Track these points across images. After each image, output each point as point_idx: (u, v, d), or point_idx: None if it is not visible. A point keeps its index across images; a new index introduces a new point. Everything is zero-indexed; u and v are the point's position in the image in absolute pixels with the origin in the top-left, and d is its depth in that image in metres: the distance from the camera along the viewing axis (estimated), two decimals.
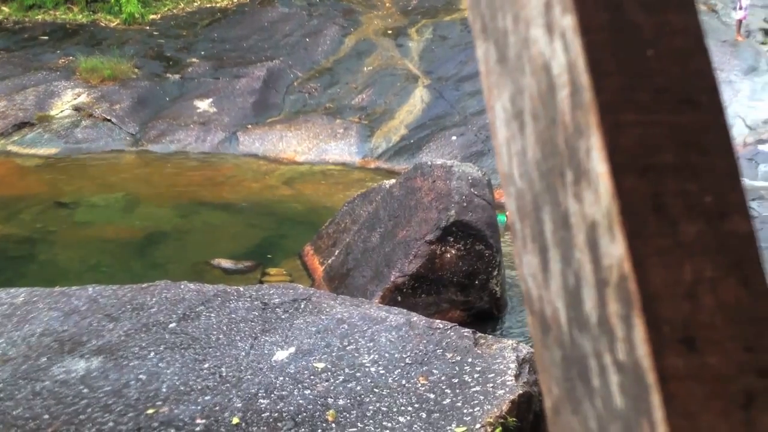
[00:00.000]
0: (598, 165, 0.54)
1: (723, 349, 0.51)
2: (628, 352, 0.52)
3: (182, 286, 5.59)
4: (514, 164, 0.66)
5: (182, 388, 4.18)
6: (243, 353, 4.60)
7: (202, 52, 18.36)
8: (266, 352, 4.63)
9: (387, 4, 20.82)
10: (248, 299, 5.38)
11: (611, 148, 0.53)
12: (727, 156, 0.55)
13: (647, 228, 0.53)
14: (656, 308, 0.51)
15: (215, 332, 4.86)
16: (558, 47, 0.58)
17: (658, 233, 0.53)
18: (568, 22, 0.56)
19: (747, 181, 13.37)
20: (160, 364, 4.44)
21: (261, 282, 8.51)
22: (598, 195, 0.54)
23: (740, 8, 18.05)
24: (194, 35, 19.17)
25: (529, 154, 0.63)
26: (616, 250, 0.53)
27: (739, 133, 15.19)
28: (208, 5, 20.80)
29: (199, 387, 4.20)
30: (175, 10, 20.45)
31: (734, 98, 16.02)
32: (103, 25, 19.56)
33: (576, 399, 0.60)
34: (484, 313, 8.14)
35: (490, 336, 5.26)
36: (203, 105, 16.46)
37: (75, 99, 16.13)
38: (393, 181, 9.36)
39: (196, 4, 20.88)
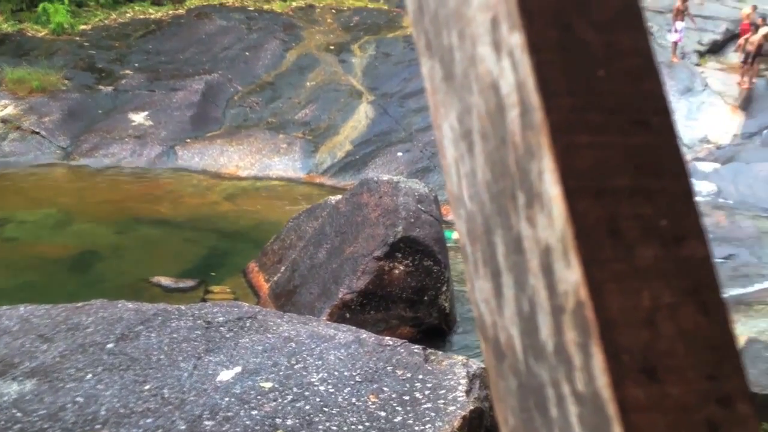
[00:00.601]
0: (551, 188, 0.52)
1: (684, 378, 0.50)
2: (587, 382, 0.50)
3: (120, 305, 5.37)
4: (464, 185, 0.64)
5: (122, 411, 3.99)
6: (186, 374, 4.42)
7: (136, 64, 18.02)
8: (210, 372, 4.46)
9: (328, 20, 20.80)
10: (190, 318, 5.19)
11: (564, 170, 0.51)
12: (681, 178, 0.54)
13: (603, 253, 0.51)
14: (615, 336, 0.49)
15: (156, 352, 4.67)
16: (506, 66, 0.55)
17: (614, 258, 0.51)
18: (516, 40, 0.54)
19: None
20: (98, 386, 4.22)
21: (203, 300, 8.29)
22: (551, 219, 0.52)
23: (675, 31, 18.60)
24: (127, 47, 18.81)
25: (479, 175, 0.61)
26: (571, 275, 0.51)
27: None
28: (142, 16, 20.46)
29: (140, 409, 4.02)
30: (106, 21, 20.05)
31: None
32: (30, 34, 19.01)
33: (533, 430, 0.58)
34: (434, 329, 8.11)
35: (441, 352, 5.24)
36: (138, 118, 16.14)
37: (1, 111, 15.61)
38: (339, 196, 9.31)
39: (129, 15, 20.51)
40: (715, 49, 20.69)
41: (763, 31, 18.07)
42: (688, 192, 0.54)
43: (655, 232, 0.52)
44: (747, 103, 17.80)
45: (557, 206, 0.51)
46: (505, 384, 0.61)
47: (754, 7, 19.77)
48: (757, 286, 10.25)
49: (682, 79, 17.96)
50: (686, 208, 0.53)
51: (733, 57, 19.77)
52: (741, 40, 18.76)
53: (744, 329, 8.48)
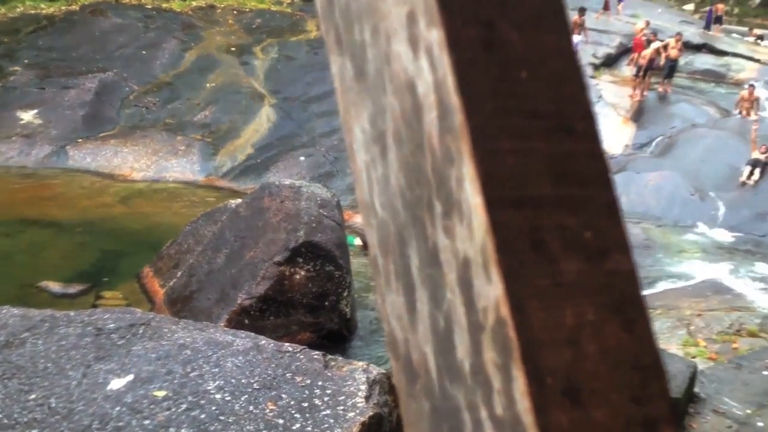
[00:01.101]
0: (471, 196, 0.49)
1: (608, 400, 0.47)
2: (507, 406, 0.47)
3: (4, 311, 5.17)
4: (375, 192, 0.61)
5: (6, 422, 3.85)
6: (74, 382, 4.27)
7: (26, 61, 17.31)
8: (101, 381, 4.32)
9: (230, 21, 20.52)
10: (80, 325, 5.02)
11: (485, 178, 0.48)
12: (606, 188, 0.52)
13: (525, 267, 0.48)
14: (538, 357, 0.46)
15: (43, 360, 4.49)
16: (424, 64, 0.52)
17: (537, 273, 0.48)
18: (434, 36, 0.51)
19: None
20: None
21: (94, 306, 8.03)
22: (471, 229, 0.49)
23: None
24: (17, 42, 18.04)
25: (392, 181, 0.58)
26: (492, 291, 0.48)
27: None
28: (33, 11, 19.64)
29: (25, 420, 3.87)
30: None
31: None
32: None
33: None
34: (335, 334, 8.10)
35: (341, 358, 5.26)
36: (27, 116, 15.53)
37: None
38: (239, 200, 9.22)
39: (19, 9, 19.66)
40: (609, 62, 21.56)
41: (654, 45, 18.94)
42: (613, 202, 0.51)
43: (579, 244, 0.49)
44: (638, 115, 18.62)
45: (477, 216, 0.48)
46: (417, 406, 0.58)
47: (647, 23, 20.68)
48: (650, 292, 10.68)
49: None
50: (611, 219, 0.51)
51: (626, 70, 20.64)
52: (634, 54, 19.59)
53: None
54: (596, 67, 20.08)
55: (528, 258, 0.48)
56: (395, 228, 0.58)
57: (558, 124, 0.51)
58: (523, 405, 0.45)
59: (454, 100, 0.49)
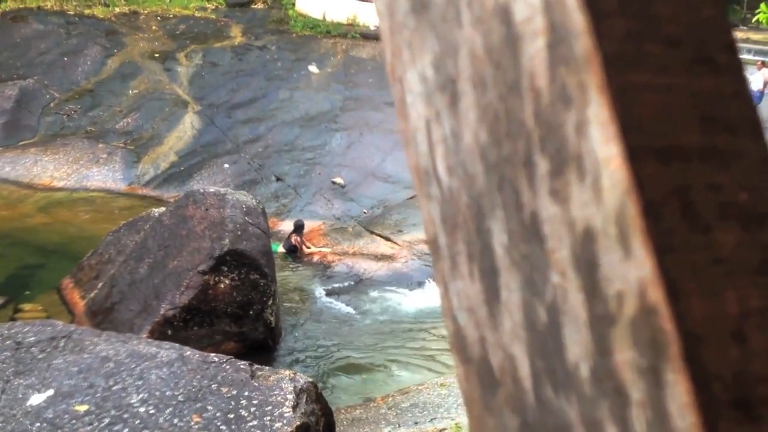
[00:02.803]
0: (602, 146, 0.39)
1: None
2: (655, 423, 0.37)
3: None
4: (439, 155, 0.50)
5: None
6: None
7: None
8: (20, 396, 4.23)
9: (153, 27, 20.20)
10: None
11: (624, 120, 0.38)
12: (756, 138, 0.42)
13: (677, 238, 0.38)
14: (702, 357, 0.36)
15: None
16: None
17: (691, 245, 0.38)
18: None
19: None
20: None
21: (13, 320, 7.80)
22: (598, 190, 0.39)
23: None
24: None
25: (467, 138, 0.48)
26: (633, 270, 0.38)
27: None
28: None
29: None
30: None
31: None
32: None
33: None
34: (259, 343, 8.06)
35: (267, 367, 5.21)
36: None
37: None
38: (163, 209, 9.06)
39: None
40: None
41: None
42: (766, 156, 0.42)
43: (734, 209, 0.40)
44: None
45: (612, 172, 0.38)
46: (498, 423, 0.48)
47: None
48: None
49: None
50: (766, 176, 0.41)
51: None
52: None
53: None
54: None
55: (679, 226, 0.38)
56: (469, 198, 0.48)
57: (698, 55, 0.41)
58: (686, 421, 0.36)
59: (577, 19, 0.40)
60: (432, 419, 6.38)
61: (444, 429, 5.96)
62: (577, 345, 0.41)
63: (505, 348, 0.46)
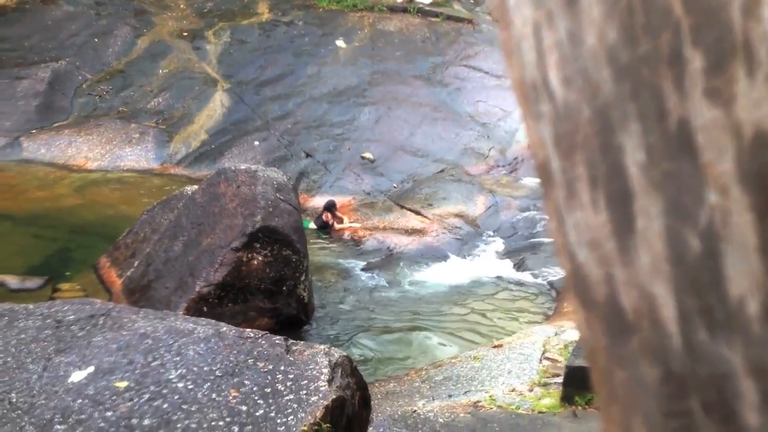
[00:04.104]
0: None
1: None
2: None
3: None
4: (552, 64, 0.44)
5: None
6: (35, 376, 4.25)
7: None
8: (62, 373, 4.30)
9: (181, 6, 20.24)
10: (39, 317, 4.97)
11: None
12: None
13: None
14: None
15: (2, 355, 4.46)
16: None
17: None
18: None
19: (531, 179, 14.35)
20: None
21: (52, 299, 7.94)
22: None
23: None
24: None
25: (590, 40, 0.41)
26: None
27: (523, 136, 16.22)
28: None
29: None
30: None
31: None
32: None
33: None
34: (293, 319, 8.11)
35: (302, 342, 5.21)
36: None
37: None
38: (195, 187, 9.12)
39: None
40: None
41: None
42: None
43: None
44: None
45: None
46: (632, 375, 0.42)
47: None
48: None
49: None
50: None
51: None
52: None
53: None
54: None
55: None
56: (593, 111, 0.41)
57: None
58: None
59: None
60: (466, 392, 6.40)
61: (478, 401, 5.98)
62: (743, 276, 0.35)
63: (642, 286, 0.40)
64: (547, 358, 7.01)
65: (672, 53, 0.36)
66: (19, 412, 3.91)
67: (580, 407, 5.54)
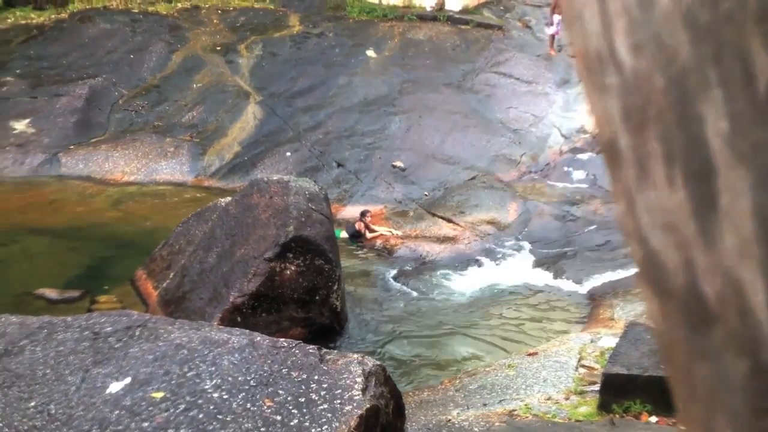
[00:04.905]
0: None
1: None
2: None
3: (2, 319, 5.19)
4: (618, 32, 0.39)
5: (6, 430, 3.87)
6: (73, 388, 4.31)
7: (18, 71, 17.28)
8: (99, 384, 4.35)
9: (214, 21, 20.49)
10: (77, 329, 5.04)
11: None
12: None
13: None
14: None
15: (42, 367, 4.53)
16: None
17: None
18: None
19: (563, 185, 14.23)
20: None
21: (90, 311, 8.05)
22: None
23: (553, 24, 19.20)
24: (8, 53, 18.00)
25: (662, 1, 0.37)
26: None
27: (555, 142, 16.15)
28: (23, 22, 19.61)
29: (25, 428, 3.90)
30: None
31: (549, 109, 17.04)
32: None
33: None
34: (326, 328, 8.11)
35: (336, 351, 5.21)
36: (20, 126, 15.50)
37: None
38: (229, 198, 9.18)
39: (9, 20, 19.63)
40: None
41: None
42: None
43: None
44: None
45: None
46: (715, 369, 0.38)
47: None
48: (634, 270, 10.74)
49: (559, 71, 18.65)
50: None
51: None
52: None
53: (623, 313, 8.93)
54: None
55: None
56: (667, 80, 0.37)
57: None
58: None
59: None
60: (501, 401, 6.36)
61: (513, 410, 5.93)
62: None
63: (727, 271, 0.36)
64: (584, 366, 6.94)
65: (761, 8, 0.32)
66: (58, 423, 3.95)
67: (617, 415, 5.46)
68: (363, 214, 12.51)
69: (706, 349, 0.38)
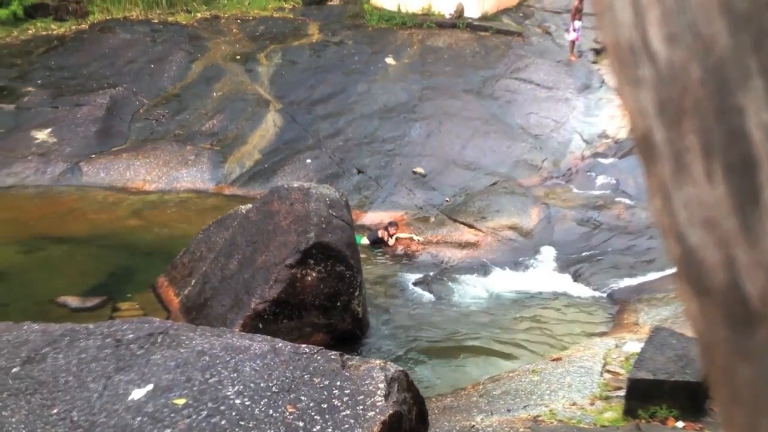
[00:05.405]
0: None
1: None
2: None
3: (25, 327, 5.20)
4: (652, 22, 0.38)
5: None
6: (96, 395, 4.31)
7: (39, 81, 17.44)
8: (121, 391, 4.35)
9: (234, 30, 20.59)
10: (99, 336, 5.05)
11: None
12: None
13: None
14: None
15: (64, 374, 4.54)
16: None
17: None
18: None
19: (585, 190, 14.13)
20: (3, 413, 4.09)
21: (112, 318, 8.08)
22: None
23: (573, 30, 19.15)
24: (29, 63, 18.19)
25: None
26: None
27: (577, 147, 16.05)
28: (44, 33, 19.81)
29: None
30: (8, 39, 19.29)
31: (571, 114, 16.94)
32: None
33: None
34: (348, 334, 8.10)
35: (358, 357, 5.18)
36: (42, 135, 15.63)
37: None
38: (249, 205, 9.20)
39: (30, 32, 19.83)
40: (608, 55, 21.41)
41: None
42: None
43: None
44: None
45: None
46: (761, 371, 0.36)
47: None
48: (658, 275, 10.66)
49: (580, 76, 18.56)
50: None
51: None
52: None
53: (647, 318, 8.83)
54: (598, 53, 20.00)
55: None
56: (704, 70, 0.36)
57: None
58: None
59: None
60: (525, 406, 6.30)
61: (538, 416, 5.88)
62: None
63: None
64: (608, 371, 6.87)
65: None
66: (81, 430, 3.95)
67: (643, 420, 5.40)
68: (390, 224, 12.50)
69: (749, 349, 0.35)
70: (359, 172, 14.85)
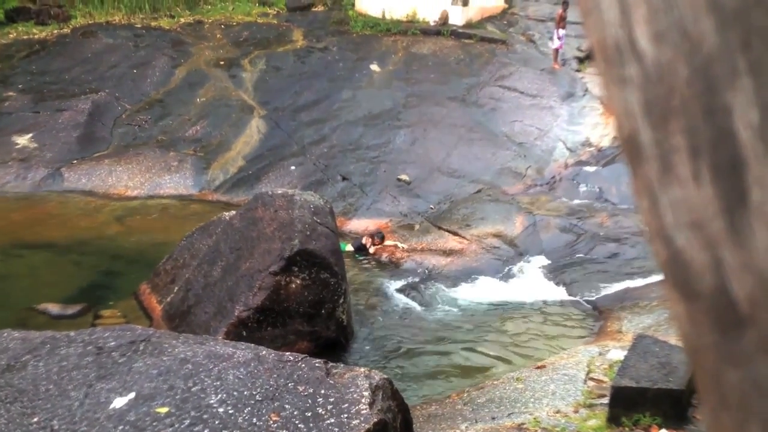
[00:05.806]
0: None
1: None
2: None
3: (5, 335, 5.16)
4: (638, 20, 0.37)
5: None
6: (77, 403, 4.26)
7: (20, 86, 17.32)
8: (103, 400, 4.30)
9: (218, 35, 20.55)
10: (80, 344, 5.00)
11: None
12: None
13: None
14: None
15: (44, 382, 4.49)
16: None
17: None
18: None
19: (569, 198, 14.19)
20: None
21: (93, 326, 8.00)
22: None
23: (557, 38, 19.26)
24: (10, 68, 18.06)
25: None
26: None
27: (560, 155, 16.12)
28: (26, 37, 19.69)
29: None
30: None
31: (554, 123, 17.01)
32: None
33: None
34: (332, 342, 8.07)
35: (342, 365, 5.15)
36: (22, 141, 15.52)
37: None
38: (233, 212, 9.16)
39: (12, 36, 19.71)
40: (594, 55, 21.55)
41: None
42: None
43: None
44: None
45: None
46: (749, 375, 0.35)
47: None
48: (640, 282, 10.71)
49: (563, 85, 18.65)
50: None
51: None
52: None
53: (631, 326, 8.86)
54: (581, 61, 20.11)
55: None
56: (692, 69, 0.35)
57: None
58: None
59: None
60: (509, 414, 6.29)
61: (522, 424, 5.87)
62: None
63: (759, 271, 0.34)
64: (592, 379, 6.87)
65: None
66: None
67: (627, 428, 5.40)
68: (377, 235, 12.49)
69: (737, 353, 0.35)
70: (344, 179, 14.83)
